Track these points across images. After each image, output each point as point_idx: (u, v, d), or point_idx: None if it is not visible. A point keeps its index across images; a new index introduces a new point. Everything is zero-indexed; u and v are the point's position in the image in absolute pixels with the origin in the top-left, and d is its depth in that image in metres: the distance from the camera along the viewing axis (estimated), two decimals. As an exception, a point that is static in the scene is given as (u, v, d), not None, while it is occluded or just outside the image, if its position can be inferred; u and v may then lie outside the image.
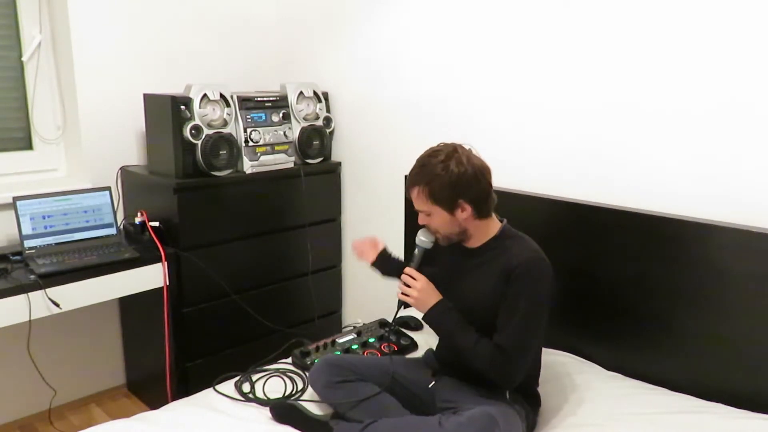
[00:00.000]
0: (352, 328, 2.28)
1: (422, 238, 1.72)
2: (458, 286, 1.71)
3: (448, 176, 1.58)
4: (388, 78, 2.68)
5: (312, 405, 1.79)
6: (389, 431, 1.56)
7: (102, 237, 2.38)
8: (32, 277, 2.04)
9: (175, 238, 2.41)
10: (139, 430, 1.68)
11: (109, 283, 2.20)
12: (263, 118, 2.61)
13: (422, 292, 1.66)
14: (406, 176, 2.52)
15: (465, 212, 1.62)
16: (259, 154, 2.58)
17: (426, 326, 2.26)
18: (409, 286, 1.68)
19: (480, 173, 1.61)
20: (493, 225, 1.71)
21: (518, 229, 1.75)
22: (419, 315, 2.34)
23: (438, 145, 1.67)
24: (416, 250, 1.74)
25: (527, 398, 1.72)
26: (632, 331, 1.96)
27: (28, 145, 2.60)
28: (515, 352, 1.57)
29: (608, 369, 1.99)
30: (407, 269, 1.71)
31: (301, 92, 2.74)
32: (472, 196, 1.61)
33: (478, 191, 1.61)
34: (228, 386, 1.90)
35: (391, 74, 2.66)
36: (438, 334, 1.73)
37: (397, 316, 1.81)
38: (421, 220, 1.70)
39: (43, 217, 2.26)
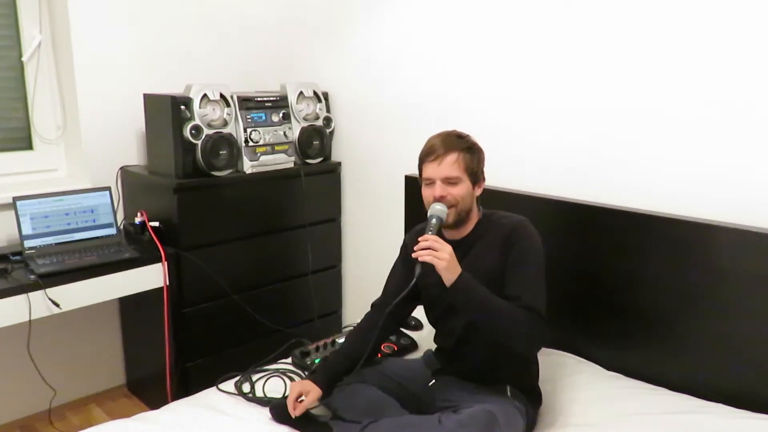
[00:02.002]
0: (352, 328, 2.28)
1: (438, 208, 1.65)
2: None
3: (482, 153, 1.74)
4: (388, 78, 2.68)
5: (312, 405, 1.79)
6: (389, 431, 1.56)
7: (102, 237, 2.38)
8: (32, 277, 2.04)
9: (175, 238, 2.41)
10: (139, 430, 1.68)
11: (109, 283, 2.20)
12: (263, 118, 2.61)
13: (452, 257, 1.58)
14: (407, 176, 2.55)
15: (478, 190, 1.74)
16: (259, 154, 2.58)
17: (426, 326, 2.28)
18: (436, 250, 1.57)
19: None
20: (477, 213, 1.78)
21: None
22: (419, 314, 2.35)
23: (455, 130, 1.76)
24: (434, 220, 1.64)
25: (527, 394, 1.72)
26: (632, 331, 1.95)
27: (28, 145, 2.60)
28: (542, 310, 1.59)
29: (608, 369, 1.99)
30: (431, 236, 1.60)
31: (301, 92, 2.74)
32: (484, 180, 1.76)
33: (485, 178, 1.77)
34: (228, 386, 1.90)
35: (391, 74, 2.66)
36: (468, 303, 1.60)
37: (414, 282, 1.65)
38: (441, 190, 1.66)
39: (43, 217, 2.26)
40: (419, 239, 1.61)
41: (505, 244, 1.65)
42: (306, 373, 1.94)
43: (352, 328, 2.13)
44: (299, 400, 1.70)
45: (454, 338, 1.79)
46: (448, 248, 1.58)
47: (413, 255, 1.60)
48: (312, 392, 1.71)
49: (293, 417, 1.68)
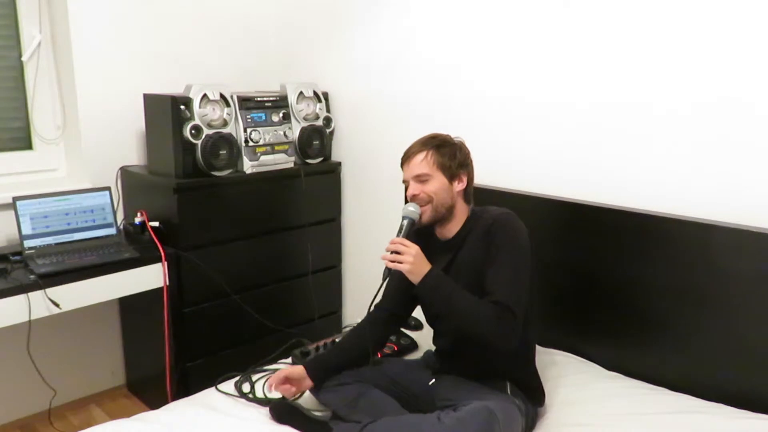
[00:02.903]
0: (352, 328, 2.28)
1: (410, 209, 1.71)
2: (453, 273, 1.71)
3: (458, 148, 1.75)
4: (388, 78, 2.68)
5: (312, 405, 1.79)
6: (388, 430, 1.56)
7: (102, 237, 2.38)
8: (32, 277, 2.04)
9: (175, 238, 2.41)
10: (139, 430, 1.68)
11: (109, 283, 2.20)
12: (263, 118, 2.61)
13: (417, 258, 1.62)
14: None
15: (461, 185, 1.74)
16: (259, 154, 2.58)
17: (426, 326, 2.28)
18: (399, 254, 1.62)
19: (472, 160, 1.79)
20: (466, 211, 1.78)
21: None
22: (418, 314, 2.35)
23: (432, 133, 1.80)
24: (404, 221, 1.71)
25: (528, 393, 1.72)
26: (632, 331, 1.95)
27: (28, 145, 2.60)
28: (514, 306, 1.57)
29: (608, 369, 1.99)
30: (397, 239, 1.66)
31: (301, 92, 2.74)
32: (469, 174, 1.77)
33: (472, 173, 1.79)
34: (228, 386, 1.90)
35: (391, 74, 2.66)
36: (436, 302, 1.65)
37: (383, 287, 1.75)
38: (414, 189, 1.72)
39: (43, 217, 2.26)
40: (390, 242, 1.66)
41: (486, 240, 1.66)
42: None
43: (351, 327, 2.13)
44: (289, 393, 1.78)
45: (451, 338, 1.80)
46: (413, 250, 1.62)
47: (381, 257, 1.66)
48: (303, 382, 1.77)
49: (271, 389, 1.76)
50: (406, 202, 1.76)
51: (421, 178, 1.71)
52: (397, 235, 1.68)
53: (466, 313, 1.59)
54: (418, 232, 1.76)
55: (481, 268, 1.65)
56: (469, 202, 1.79)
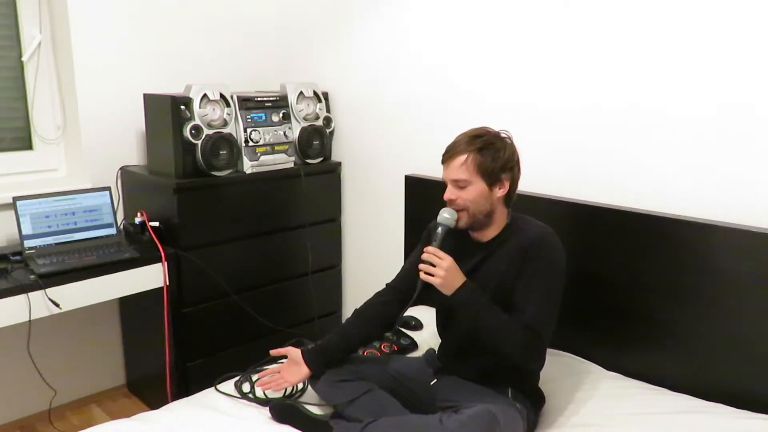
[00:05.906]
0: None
1: (445, 216, 1.66)
2: (479, 277, 1.67)
3: (503, 149, 1.65)
4: (388, 78, 2.68)
5: (312, 405, 1.79)
6: (389, 430, 1.56)
7: (102, 237, 2.38)
8: (32, 277, 2.04)
9: (175, 238, 2.41)
10: (139, 430, 1.68)
11: (109, 283, 2.20)
12: (263, 118, 2.61)
13: (449, 271, 1.59)
14: (407, 176, 2.55)
15: (502, 190, 1.66)
16: (259, 154, 2.58)
17: (426, 326, 2.28)
18: (433, 266, 1.60)
19: (519, 159, 1.71)
20: (506, 216, 1.73)
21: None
22: (419, 314, 2.35)
23: (480, 128, 1.70)
24: (438, 228, 1.66)
25: (529, 396, 1.72)
26: (632, 331, 1.96)
27: (28, 145, 2.60)
28: (543, 330, 1.58)
29: (608, 369, 1.99)
30: (430, 248, 1.62)
31: (301, 92, 2.74)
32: (512, 177, 1.68)
33: (517, 174, 1.70)
34: (228, 386, 1.90)
35: (391, 74, 2.66)
36: (465, 315, 1.62)
37: (416, 295, 1.71)
38: (451, 194, 1.66)
39: (43, 217, 2.26)
40: (424, 250, 1.63)
41: (523, 256, 1.62)
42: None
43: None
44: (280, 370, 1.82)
45: (458, 339, 1.79)
46: (445, 263, 1.59)
47: (419, 267, 1.63)
48: (300, 368, 1.78)
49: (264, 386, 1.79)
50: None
51: (459, 184, 1.64)
52: (432, 243, 1.65)
53: (494, 332, 1.58)
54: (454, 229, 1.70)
55: (509, 283, 1.63)
56: (509, 206, 1.73)
